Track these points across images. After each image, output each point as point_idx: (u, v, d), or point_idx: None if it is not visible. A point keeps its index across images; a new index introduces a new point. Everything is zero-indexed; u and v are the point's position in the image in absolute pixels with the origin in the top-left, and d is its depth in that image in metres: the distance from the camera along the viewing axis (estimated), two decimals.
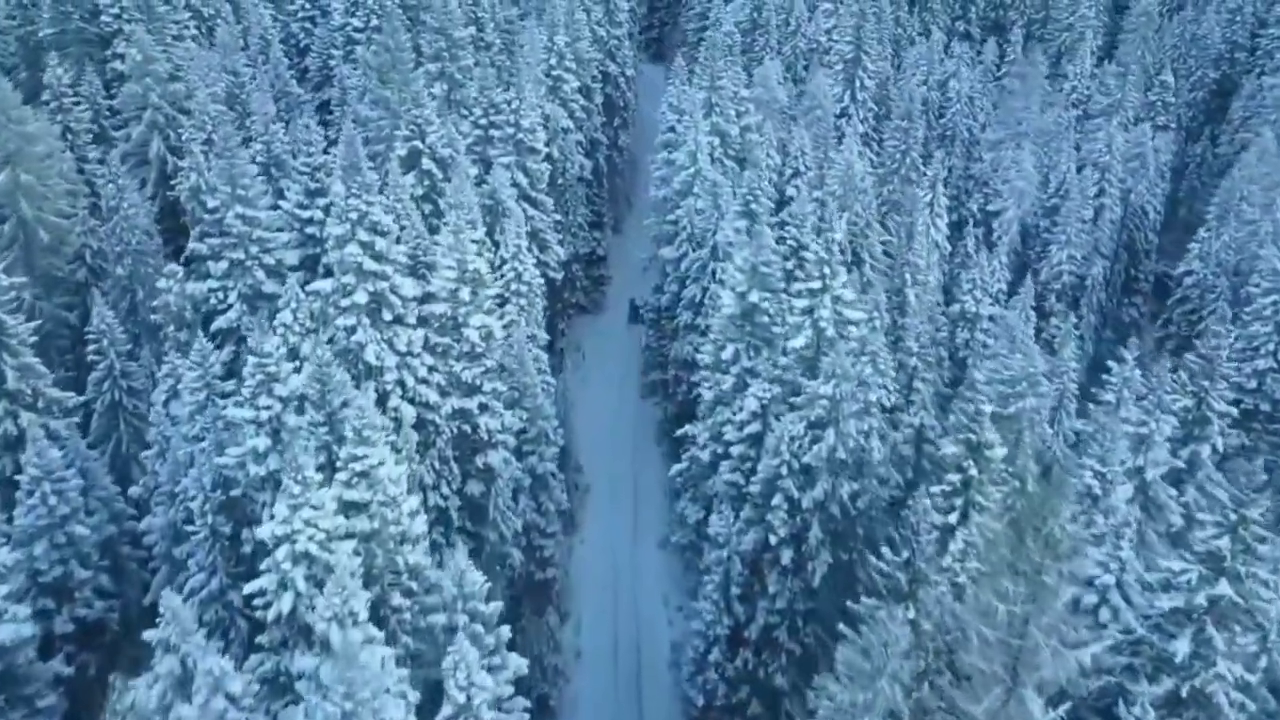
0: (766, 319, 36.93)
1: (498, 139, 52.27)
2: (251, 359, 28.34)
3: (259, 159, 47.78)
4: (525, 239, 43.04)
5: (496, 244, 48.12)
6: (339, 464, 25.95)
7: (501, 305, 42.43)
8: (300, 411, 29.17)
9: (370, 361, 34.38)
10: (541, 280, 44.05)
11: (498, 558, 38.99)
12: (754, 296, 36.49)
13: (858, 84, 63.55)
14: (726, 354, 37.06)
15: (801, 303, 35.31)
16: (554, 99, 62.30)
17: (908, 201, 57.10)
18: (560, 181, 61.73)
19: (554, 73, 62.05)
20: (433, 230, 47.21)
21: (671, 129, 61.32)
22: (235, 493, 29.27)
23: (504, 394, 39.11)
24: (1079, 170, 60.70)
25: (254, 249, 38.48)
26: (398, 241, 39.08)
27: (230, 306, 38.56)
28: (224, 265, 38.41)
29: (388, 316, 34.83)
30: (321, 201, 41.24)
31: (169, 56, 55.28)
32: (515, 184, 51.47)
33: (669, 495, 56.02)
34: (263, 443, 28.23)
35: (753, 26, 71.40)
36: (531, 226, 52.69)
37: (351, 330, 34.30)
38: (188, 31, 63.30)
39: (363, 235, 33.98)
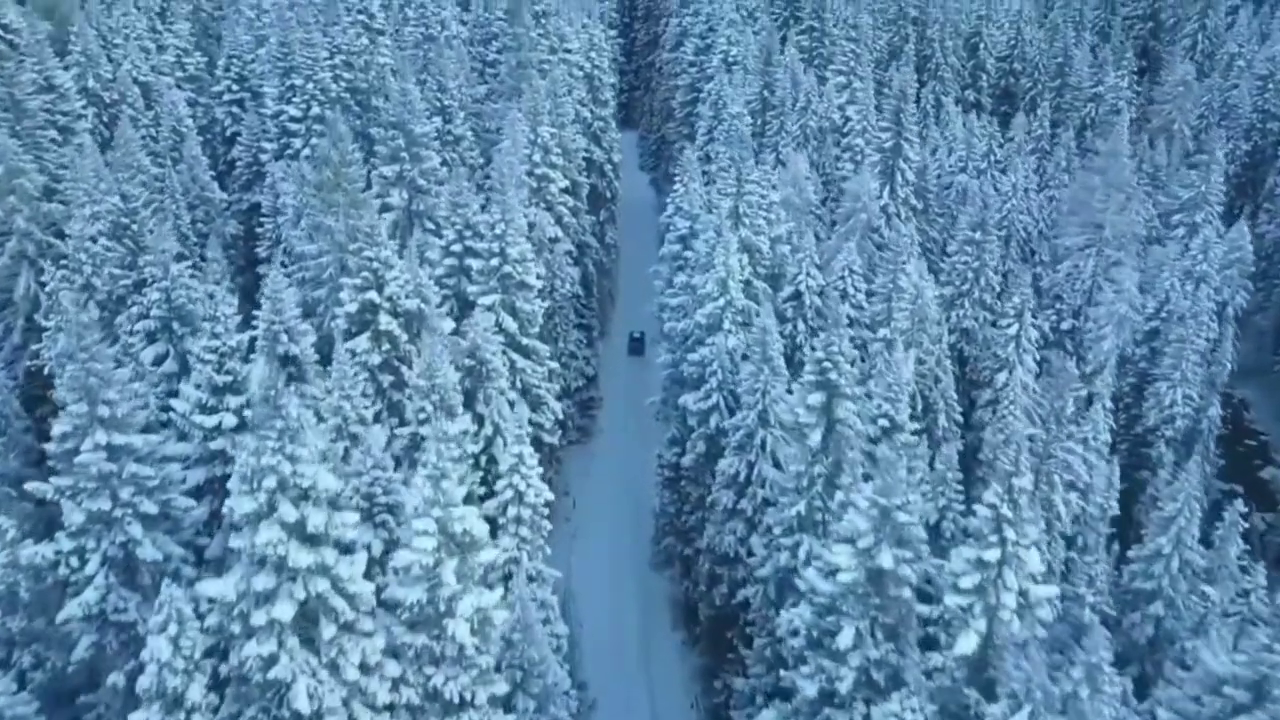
0: (908, 591, 23.68)
1: (477, 271, 38.63)
2: None
3: (155, 313, 33.80)
4: (527, 440, 29.35)
5: (480, 420, 34.49)
6: None
7: (499, 534, 28.63)
8: None
9: (301, 710, 20.42)
10: (544, 499, 30.18)
11: None
12: (885, 558, 23.26)
13: (899, 177, 51.07)
14: (844, 640, 23.75)
15: (969, 578, 22.17)
16: (538, 202, 48.89)
17: (988, 335, 44.60)
18: (549, 304, 48.23)
19: (538, 170, 48.61)
20: (393, 408, 33.60)
21: (682, 240, 48.15)
22: None
23: (503, 692, 25.25)
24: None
25: (126, 492, 24.34)
26: (346, 459, 25.42)
27: (90, 580, 24.33)
28: (80, 517, 24.23)
29: (328, 633, 20.94)
30: (234, 401, 27.30)
31: (42, 165, 40.92)
32: (502, 329, 37.90)
33: (699, 708, 42.52)
34: None
35: (763, 106, 58.78)
36: (522, 382, 39.14)
37: (270, 661, 20.35)
38: (81, 124, 48.97)
39: (286, 511, 20.11)
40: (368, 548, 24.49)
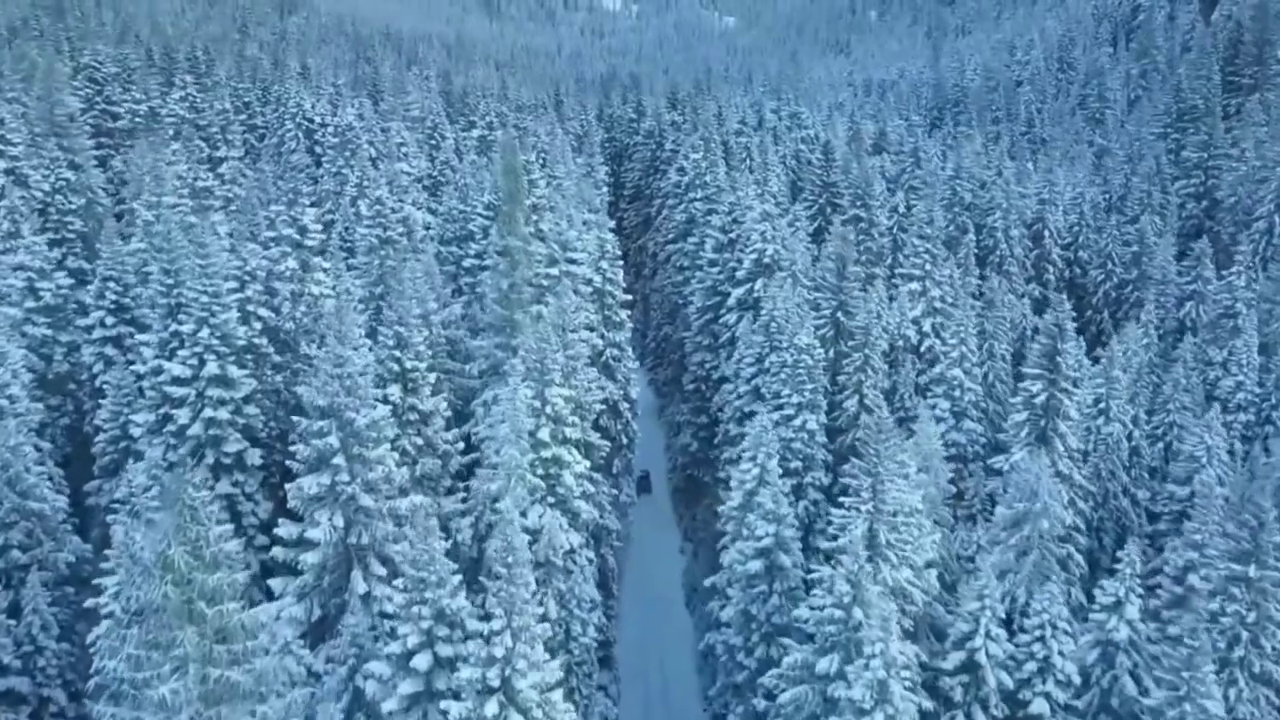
0: None
1: (456, 688, 20.06)
2: None
3: None
4: None
5: None
6: None
7: None
8: None
9: None
10: None
11: None
12: None
13: (1058, 445, 33.94)
14: None
15: None
16: (548, 496, 30.89)
17: None
18: (565, 659, 29.78)
19: (547, 452, 30.78)
20: None
21: (765, 555, 30.24)
22: None
23: None
24: None
25: None
26: None
27: None
28: None
29: None
30: None
31: None
32: None
33: None
34: None
35: (837, 333, 41.92)
36: None
37: None
38: None
39: None
40: None
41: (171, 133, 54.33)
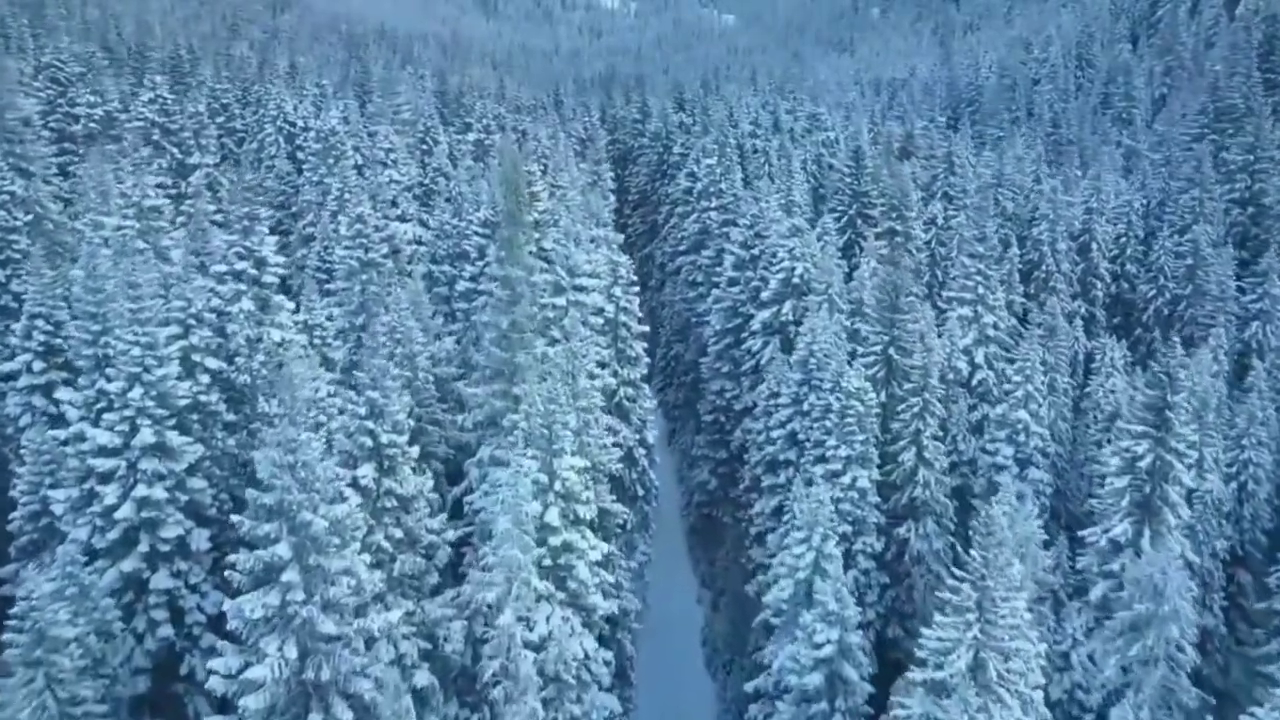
0: None
1: None
2: None
3: None
4: None
5: None
6: None
7: None
8: None
9: None
10: None
11: None
12: None
13: (1168, 517, 27.68)
14: None
15: None
16: (558, 592, 24.62)
17: None
18: None
19: (555, 540, 24.46)
20: None
21: (831, 681, 23.94)
22: None
23: None
24: None
25: None
26: None
27: None
28: None
29: None
30: None
31: None
32: None
33: None
34: None
35: (889, 371, 35.59)
36: None
37: None
38: None
39: None
40: None
41: (129, 139, 47.73)
